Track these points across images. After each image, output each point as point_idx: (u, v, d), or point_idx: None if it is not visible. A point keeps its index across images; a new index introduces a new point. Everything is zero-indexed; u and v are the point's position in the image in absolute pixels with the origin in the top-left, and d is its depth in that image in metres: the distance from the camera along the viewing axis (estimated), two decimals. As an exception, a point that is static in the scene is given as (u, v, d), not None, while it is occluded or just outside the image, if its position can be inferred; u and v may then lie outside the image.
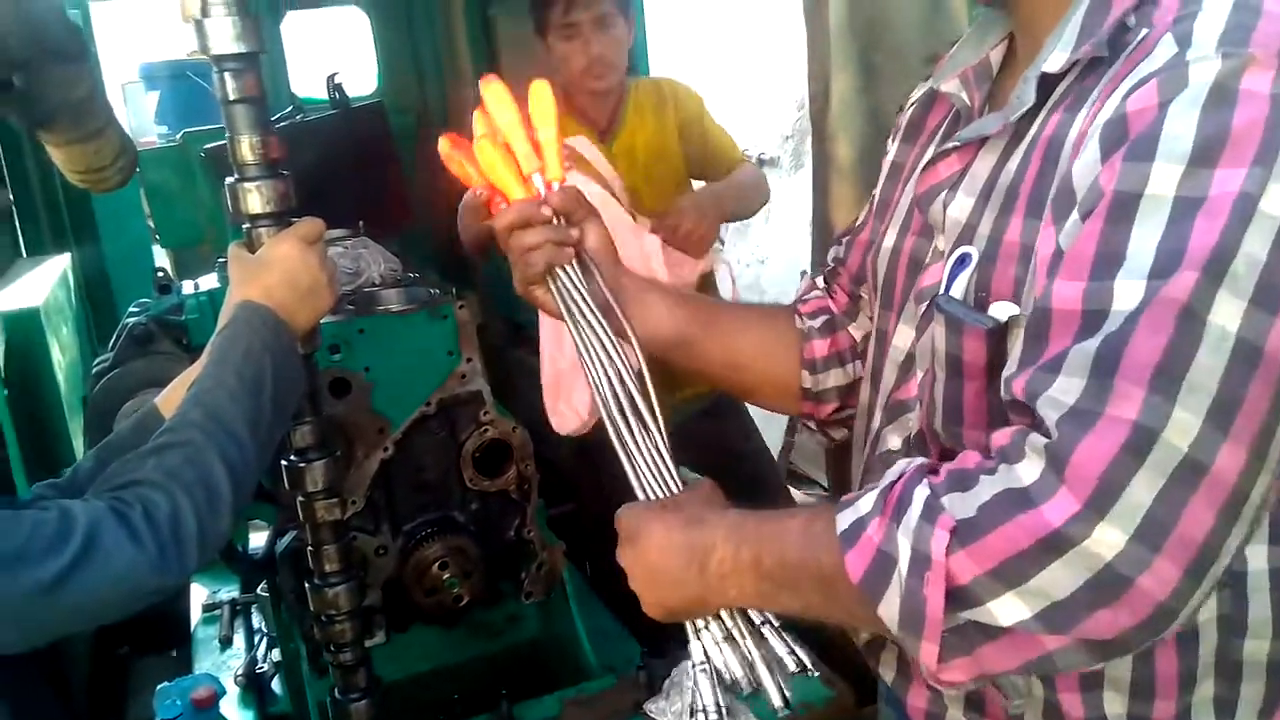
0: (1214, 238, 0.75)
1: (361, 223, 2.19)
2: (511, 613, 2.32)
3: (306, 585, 1.50)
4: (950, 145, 1.00)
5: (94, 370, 1.78)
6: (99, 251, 3.26)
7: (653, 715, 1.70)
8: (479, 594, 1.89)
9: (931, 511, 0.79)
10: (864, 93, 1.82)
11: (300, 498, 1.44)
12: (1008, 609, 0.77)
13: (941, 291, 0.96)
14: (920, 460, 0.87)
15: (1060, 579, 0.75)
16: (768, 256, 4.21)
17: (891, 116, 1.24)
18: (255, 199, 1.31)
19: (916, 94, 1.17)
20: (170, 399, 1.25)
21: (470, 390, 1.88)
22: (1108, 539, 0.73)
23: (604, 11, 2.24)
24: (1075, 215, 0.82)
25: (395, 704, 1.60)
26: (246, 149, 1.30)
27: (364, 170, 2.76)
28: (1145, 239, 0.77)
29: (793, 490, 3.16)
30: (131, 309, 1.88)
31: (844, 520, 0.85)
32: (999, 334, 0.89)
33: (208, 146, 2.83)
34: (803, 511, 0.94)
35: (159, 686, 1.69)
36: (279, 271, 1.25)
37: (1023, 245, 0.88)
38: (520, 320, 2.60)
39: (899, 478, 0.85)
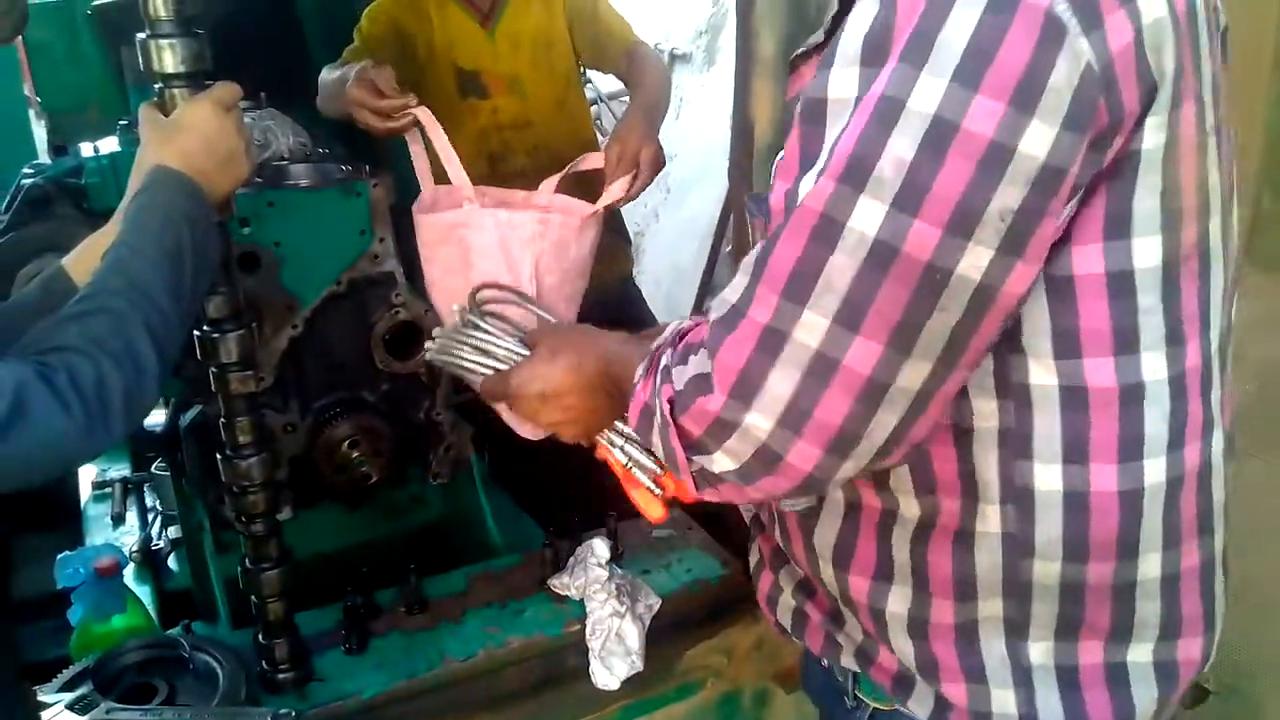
0: (852, 144, 0.79)
1: (263, 94, 2.11)
2: (415, 494, 2.35)
3: (218, 458, 1.49)
4: (798, 53, 1.04)
5: (-13, 233, 1.70)
6: (-30, 115, 3.06)
7: (556, 590, 1.77)
8: (387, 474, 1.90)
9: (665, 379, 0.94)
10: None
11: (213, 369, 1.42)
12: (720, 463, 0.90)
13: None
14: (680, 324, 1.01)
15: (737, 450, 0.88)
16: (678, 153, 4.22)
17: (816, 12, 1.25)
18: (169, 57, 1.25)
19: None
20: (80, 262, 1.21)
21: (382, 271, 1.86)
22: (757, 424, 0.86)
23: None
24: None
25: (301, 579, 1.62)
26: (160, 4, 1.24)
27: (264, 38, 2.64)
28: (822, 140, 0.83)
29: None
30: (26, 170, 1.78)
31: (637, 374, 0.99)
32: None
33: (96, 3, 2.67)
34: (642, 347, 1.05)
35: (60, 555, 1.67)
36: (195, 136, 1.21)
37: None
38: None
39: (664, 341, 0.99)
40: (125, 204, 1.18)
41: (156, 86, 1.28)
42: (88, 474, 2.52)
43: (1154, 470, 0.91)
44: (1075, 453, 0.90)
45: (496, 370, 1.19)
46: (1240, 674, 1.97)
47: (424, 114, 1.75)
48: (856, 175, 0.79)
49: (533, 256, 1.54)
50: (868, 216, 0.79)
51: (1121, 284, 0.85)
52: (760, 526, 1.21)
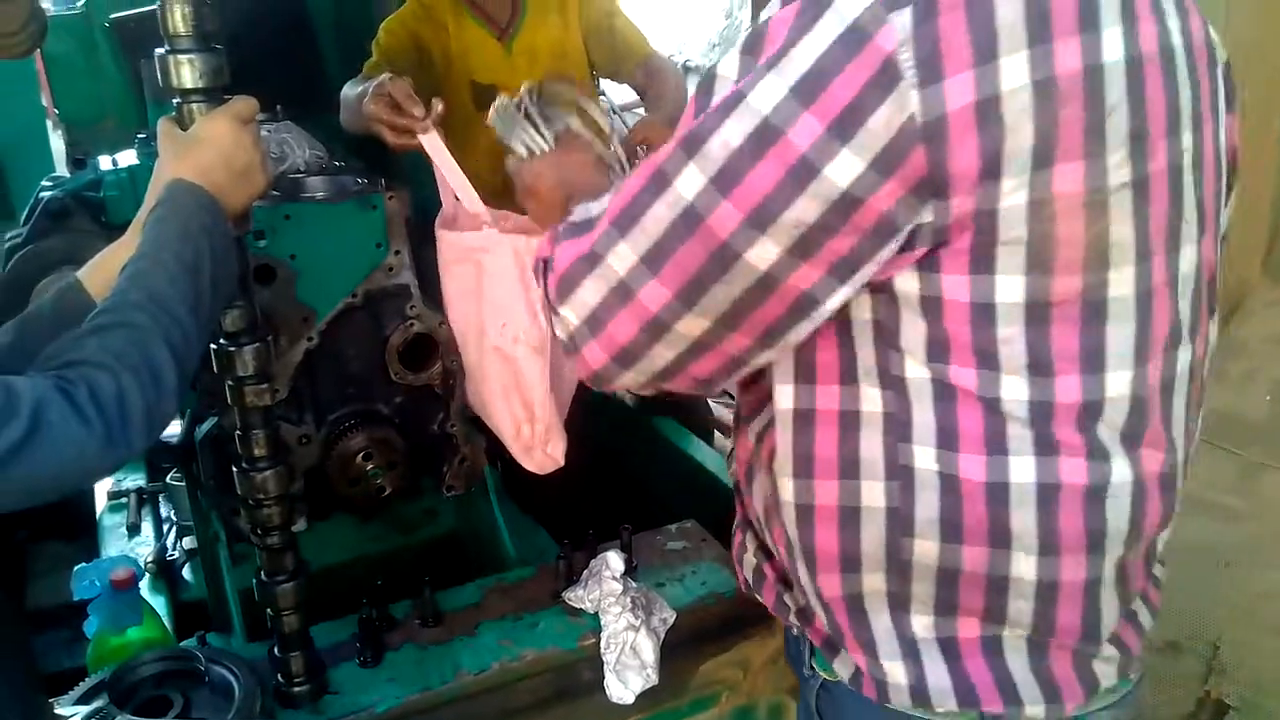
0: (701, 119, 0.90)
1: (279, 107, 2.13)
2: (428, 507, 2.36)
3: (234, 470, 1.49)
4: None
5: (6, 245, 1.71)
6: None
7: (571, 603, 1.77)
8: (402, 486, 1.91)
9: (555, 241, 1.05)
10: None
11: (229, 382, 1.42)
12: (558, 329, 1.04)
13: None
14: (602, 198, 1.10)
15: (560, 327, 1.03)
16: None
17: None
18: (188, 72, 1.26)
19: None
20: (95, 275, 1.21)
21: (397, 283, 1.87)
22: (569, 318, 1.00)
23: None
24: None
25: (316, 592, 1.62)
26: (179, 19, 1.24)
27: (280, 51, 2.66)
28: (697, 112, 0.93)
29: (710, 402, 3.23)
30: (45, 183, 1.80)
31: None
32: None
33: (114, 16, 2.70)
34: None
35: (76, 568, 1.67)
36: (213, 150, 1.22)
37: None
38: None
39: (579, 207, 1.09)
40: (141, 217, 1.19)
41: (175, 101, 1.28)
42: (103, 484, 2.53)
43: (1021, 470, 0.95)
44: (946, 439, 0.96)
45: (520, 155, 1.37)
46: (1261, 690, 1.96)
47: (430, 141, 1.75)
48: (692, 145, 0.89)
49: None
50: (689, 182, 0.89)
51: (984, 313, 0.90)
52: (737, 490, 1.28)
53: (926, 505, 0.98)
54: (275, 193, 1.78)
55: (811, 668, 1.21)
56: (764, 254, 0.88)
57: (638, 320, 0.96)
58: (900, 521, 1.00)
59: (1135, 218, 0.90)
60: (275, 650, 1.56)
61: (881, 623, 1.06)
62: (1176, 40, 0.92)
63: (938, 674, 1.05)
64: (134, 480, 2.53)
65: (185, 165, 1.20)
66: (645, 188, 0.92)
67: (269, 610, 1.54)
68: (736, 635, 1.77)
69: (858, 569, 1.04)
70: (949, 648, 1.05)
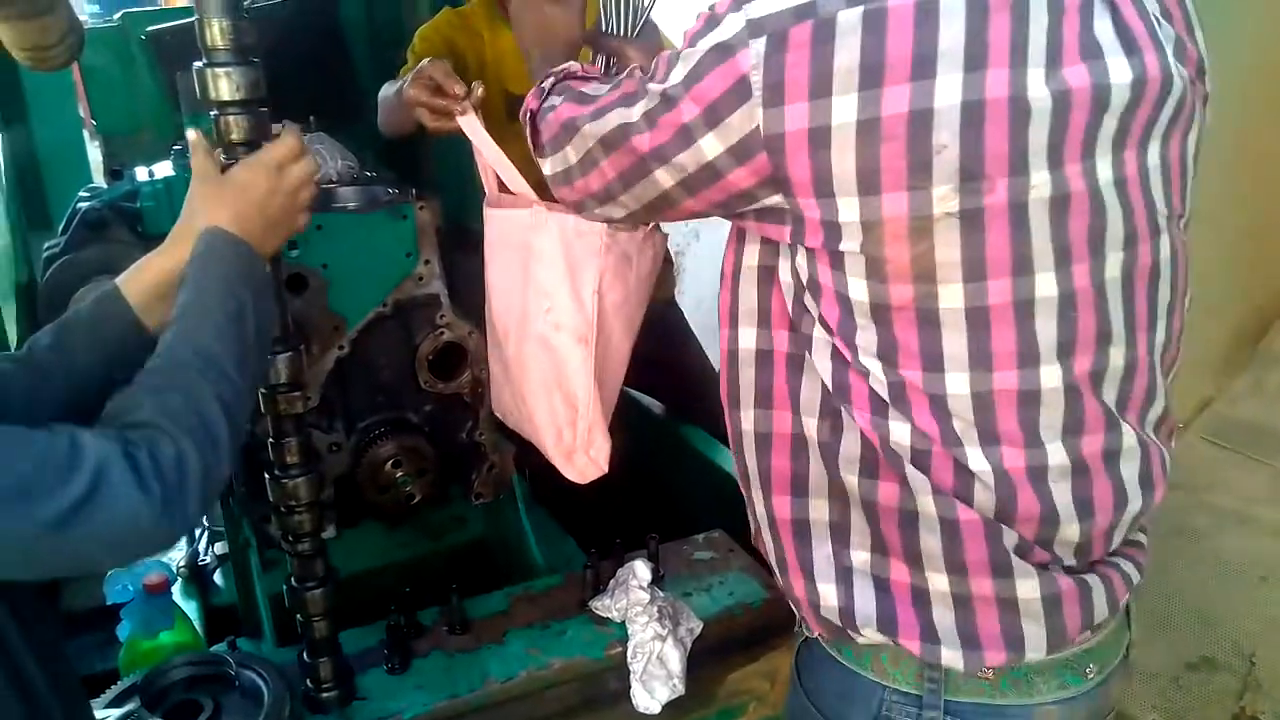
0: (650, 66, 1.13)
1: (312, 118, 2.15)
2: (456, 514, 2.37)
3: (266, 477, 1.51)
4: None
5: (44, 255, 1.74)
6: (29, 135, 3.13)
7: (598, 612, 1.77)
8: (431, 493, 1.92)
9: (541, 95, 1.32)
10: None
11: (262, 390, 1.44)
12: (552, 163, 1.27)
13: None
14: (587, 67, 1.40)
15: (560, 160, 1.25)
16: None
17: None
18: (225, 85, 1.27)
19: None
20: (133, 282, 1.20)
21: (427, 293, 1.88)
22: (569, 153, 1.22)
23: None
24: None
25: (345, 598, 1.63)
26: (217, 33, 1.26)
27: (315, 63, 2.69)
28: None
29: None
30: (82, 193, 1.82)
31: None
32: None
33: (150, 29, 2.74)
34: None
35: (109, 572, 1.69)
36: (250, 199, 1.20)
37: None
38: (469, 225, 2.58)
39: (573, 70, 1.35)
40: (186, 267, 1.15)
41: (212, 114, 1.30)
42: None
43: (899, 432, 1.07)
44: (841, 395, 1.10)
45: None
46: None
47: (469, 123, 1.74)
48: (643, 86, 1.10)
49: (597, 270, 1.52)
50: (637, 110, 1.10)
51: (844, 303, 1.05)
52: None
53: (849, 444, 1.11)
54: (308, 203, 1.79)
55: (800, 626, 1.28)
56: (663, 179, 1.11)
57: (600, 181, 1.19)
58: (830, 455, 1.13)
59: (964, 244, 0.98)
60: (304, 655, 1.57)
61: (823, 551, 1.18)
62: (1037, 89, 0.94)
63: (865, 599, 1.16)
64: (167, 486, 2.55)
65: (221, 212, 1.19)
66: (618, 98, 1.14)
67: (299, 616, 1.55)
68: (764, 646, 1.77)
69: (805, 493, 1.17)
70: (881, 585, 1.15)
